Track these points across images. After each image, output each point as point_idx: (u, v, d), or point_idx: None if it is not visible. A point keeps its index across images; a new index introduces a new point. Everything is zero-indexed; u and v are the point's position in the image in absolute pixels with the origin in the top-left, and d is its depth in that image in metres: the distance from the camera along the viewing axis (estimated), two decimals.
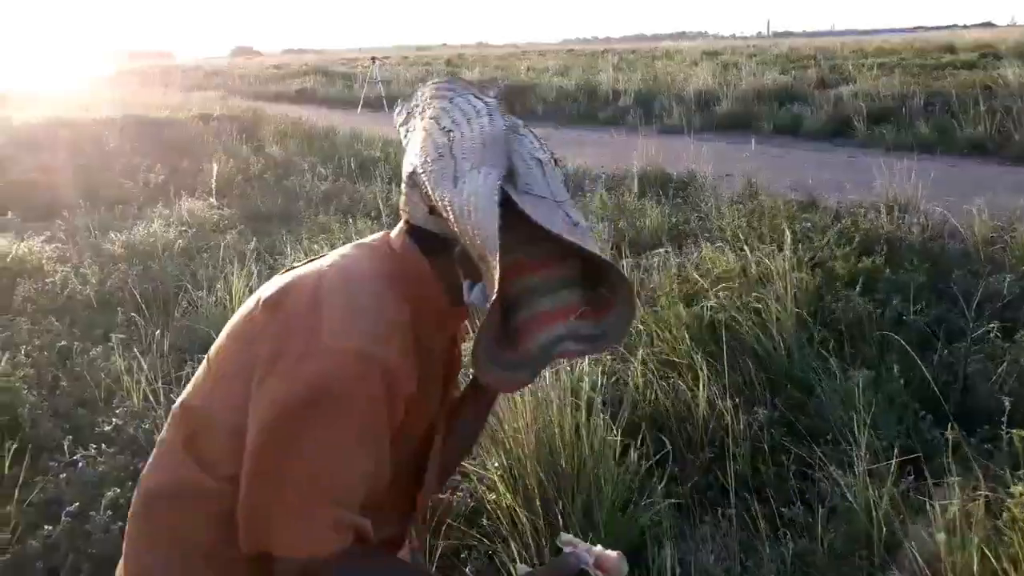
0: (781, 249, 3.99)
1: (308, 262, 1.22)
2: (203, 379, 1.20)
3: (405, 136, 1.19)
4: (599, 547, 1.24)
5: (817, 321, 3.41)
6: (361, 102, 18.18)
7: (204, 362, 1.22)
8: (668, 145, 8.69)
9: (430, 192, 1.06)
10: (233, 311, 3.95)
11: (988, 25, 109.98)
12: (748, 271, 3.76)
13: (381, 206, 6.55)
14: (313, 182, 8.11)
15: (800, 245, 4.47)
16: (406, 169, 1.13)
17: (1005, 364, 2.89)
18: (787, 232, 3.83)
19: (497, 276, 0.96)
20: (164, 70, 40.14)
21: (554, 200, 1.08)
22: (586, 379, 2.50)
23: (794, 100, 12.78)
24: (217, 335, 1.25)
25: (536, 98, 15.98)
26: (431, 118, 1.14)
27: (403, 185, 1.15)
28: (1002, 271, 3.87)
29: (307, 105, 20.23)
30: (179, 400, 1.22)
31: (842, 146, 10.32)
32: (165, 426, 1.23)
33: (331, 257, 1.19)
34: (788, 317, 3.27)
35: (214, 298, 4.20)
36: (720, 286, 3.72)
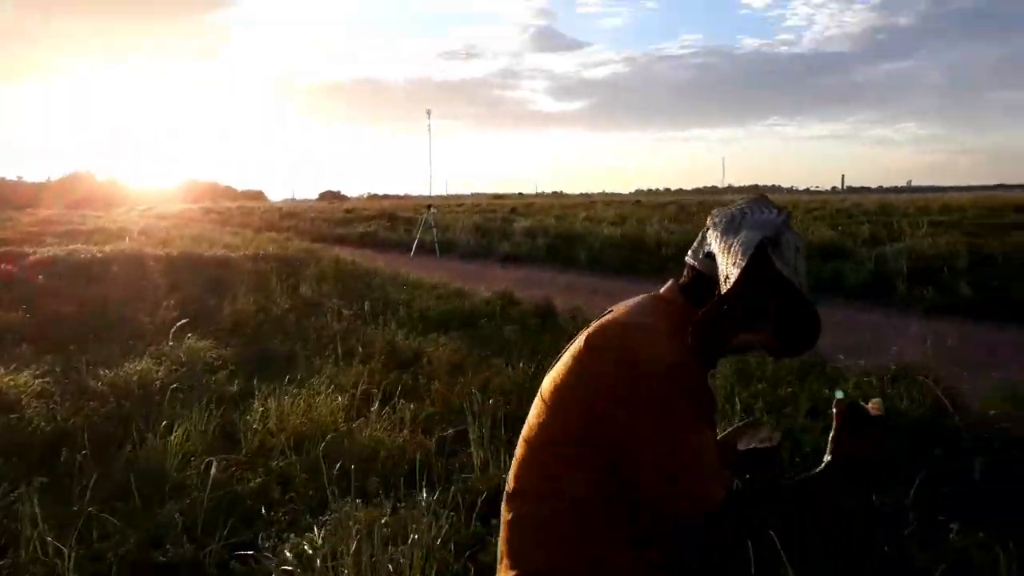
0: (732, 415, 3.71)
1: (607, 313, 1.67)
2: (541, 417, 1.60)
3: (716, 225, 1.62)
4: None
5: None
6: (414, 247, 18.69)
7: (538, 402, 1.64)
8: None
9: (712, 237, 1.55)
10: (172, 456, 3.95)
11: None
12: None
13: (379, 347, 6.54)
14: (330, 323, 8.18)
15: (778, 414, 4.18)
16: (709, 229, 1.60)
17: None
18: (721, 397, 3.53)
19: (734, 280, 1.46)
20: (246, 210, 42.50)
21: (794, 269, 1.53)
22: None
23: (840, 256, 12.49)
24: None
25: (582, 247, 16.09)
26: (738, 208, 1.60)
27: (697, 241, 1.63)
28: (986, 454, 3.46)
29: (367, 248, 20.90)
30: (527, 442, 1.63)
31: (884, 305, 9.93)
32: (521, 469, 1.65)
33: (626, 308, 1.65)
34: None
35: (159, 441, 4.12)
36: None
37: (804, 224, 16.15)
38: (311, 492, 3.56)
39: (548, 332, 7.93)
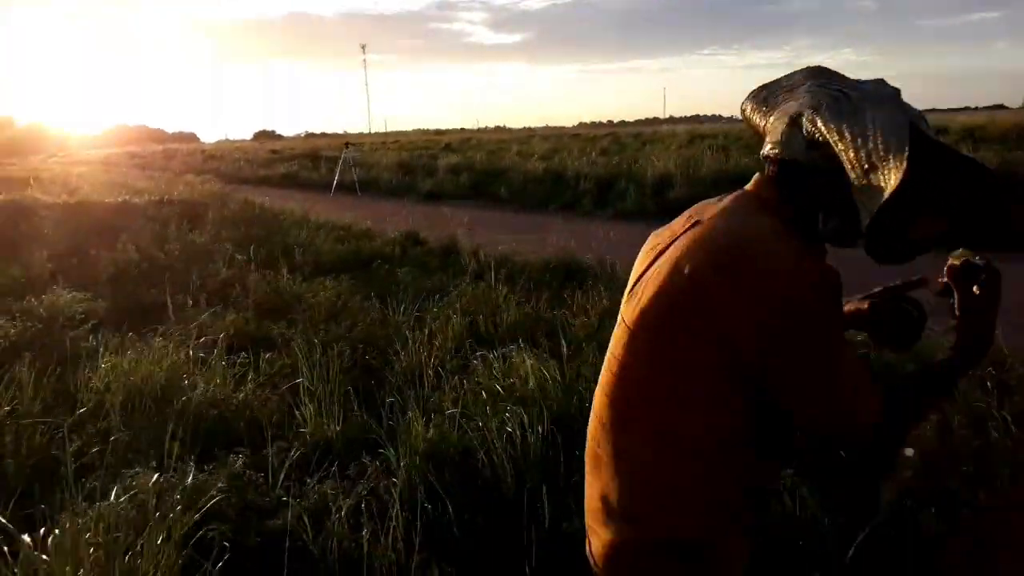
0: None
1: (693, 224, 1.41)
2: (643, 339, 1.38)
3: (762, 113, 1.43)
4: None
5: None
6: (334, 187, 18.18)
7: (627, 335, 1.40)
8: (594, 231, 8.43)
9: (822, 124, 1.29)
10: None
11: (1000, 107, 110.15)
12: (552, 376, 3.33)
13: (257, 293, 6.31)
14: (220, 270, 7.84)
15: None
16: (786, 114, 1.35)
17: None
18: None
19: (902, 172, 1.21)
20: (170, 154, 40.94)
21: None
22: None
23: None
24: None
25: (503, 183, 15.82)
26: (816, 86, 1.37)
27: (777, 133, 1.35)
28: None
29: (287, 189, 20.30)
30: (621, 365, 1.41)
31: None
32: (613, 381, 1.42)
33: (722, 214, 1.39)
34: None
35: None
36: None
37: (740, 154, 16.10)
38: (130, 455, 3.34)
39: (447, 271, 7.75)
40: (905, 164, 1.23)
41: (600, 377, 1.47)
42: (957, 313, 1.38)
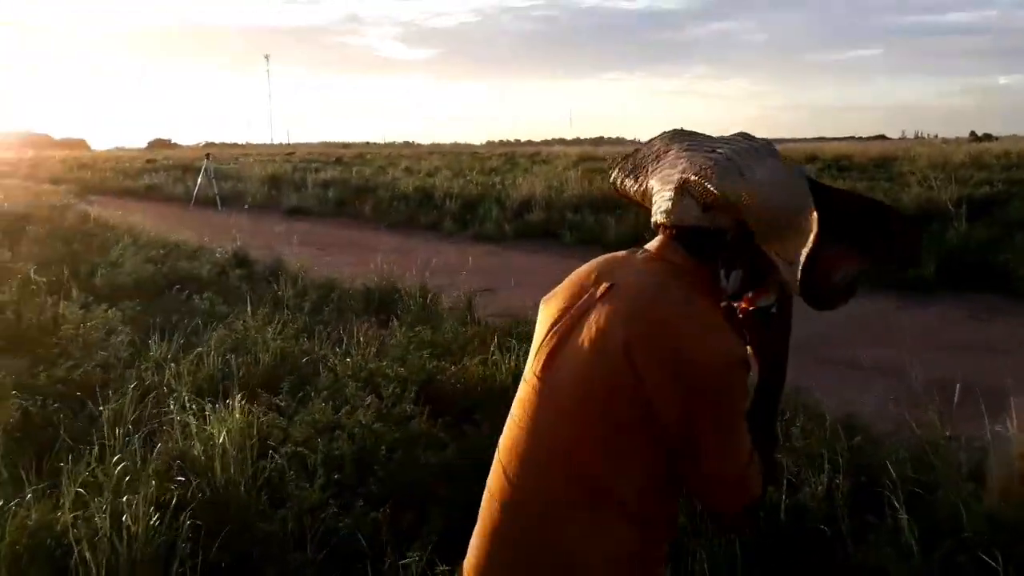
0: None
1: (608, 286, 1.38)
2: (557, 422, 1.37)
3: (634, 180, 1.45)
4: None
5: None
6: (193, 199, 17.30)
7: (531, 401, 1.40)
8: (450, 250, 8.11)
9: (714, 188, 1.31)
10: None
11: (881, 137, 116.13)
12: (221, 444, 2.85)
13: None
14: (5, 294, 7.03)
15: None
16: (672, 183, 1.36)
17: None
18: None
19: (815, 227, 1.27)
20: (38, 159, 38.57)
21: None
22: None
23: (617, 210, 12.35)
24: None
25: (372, 199, 15.30)
26: (684, 150, 1.40)
27: (665, 201, 1.37)
28: None
29: (149, 201, 19.21)
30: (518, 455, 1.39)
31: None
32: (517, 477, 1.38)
33: (642, 282, 1.37)
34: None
35: None
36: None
37: (604, 181, 16.01)
38: None
39: (262, 296, 7.17)
40: (815, 214, 1.27)
41: (509, 439, 1.41)
42: (755, 356, 1.43)
